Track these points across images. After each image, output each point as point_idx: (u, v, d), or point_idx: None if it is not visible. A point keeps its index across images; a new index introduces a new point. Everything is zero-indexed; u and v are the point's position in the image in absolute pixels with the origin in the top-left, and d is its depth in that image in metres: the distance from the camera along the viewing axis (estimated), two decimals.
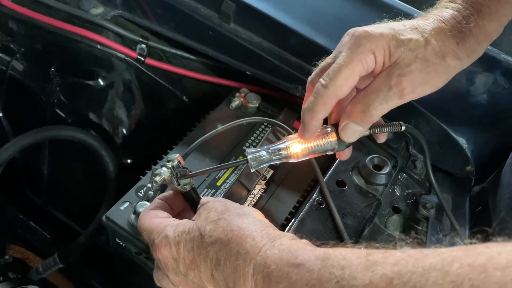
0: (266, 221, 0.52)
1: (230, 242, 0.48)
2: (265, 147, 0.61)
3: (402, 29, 0.56)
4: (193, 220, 0.54)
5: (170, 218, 0.58)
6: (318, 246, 0.45)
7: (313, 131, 0.59)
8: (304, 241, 0.47)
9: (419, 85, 0.55)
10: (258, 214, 0.53)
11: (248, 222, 0.50)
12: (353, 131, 0.58)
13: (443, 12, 0.58)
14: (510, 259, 0.30)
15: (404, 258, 0.35)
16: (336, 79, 0.55)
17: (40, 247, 1.29)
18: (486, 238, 0.34)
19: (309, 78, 0.61)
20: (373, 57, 0.55)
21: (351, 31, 0.57)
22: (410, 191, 0.82)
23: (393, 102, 0.55)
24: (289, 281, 0.42)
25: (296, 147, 0.60)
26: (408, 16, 0.60)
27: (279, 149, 0.61)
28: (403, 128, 0.64)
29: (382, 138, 0.66)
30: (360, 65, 0.55)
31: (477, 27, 0.57)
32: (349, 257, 0.39)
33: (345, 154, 0.65)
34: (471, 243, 0.34)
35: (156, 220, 0.57)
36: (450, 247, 0.35)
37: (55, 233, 1.32)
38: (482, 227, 0.38)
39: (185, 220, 0.55)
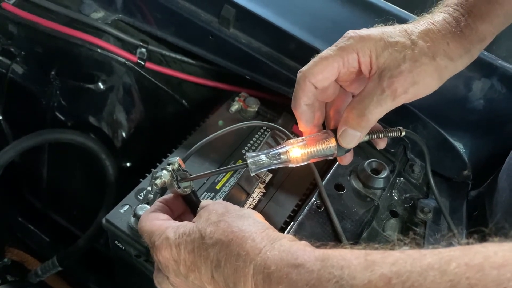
0: (266, 223, 0.52)
1: (231, 243, 0.48)
2: (265, 151, 0.62)
3: (392, 32, 0.58)
4: (193, 222, 0.54)
5: (170, 221, 0.58)
6: (317, 247, 0.45)
7: (304, 119, 0.63)
8: (303, 242, 0.47)
9: (410, 85, 0.55)
10: (258, 216, 0.54)
11: (248, 224, 0.50)
12: (352, 137, 0.58)
13: (435, 16, 0.59)
14: (506, 258, 0.31)
15: (402, 258, 0.36)
16: (312, 67, 0.59)
17: (38, 250, 1.29)
18: (483, 238, 0.35)
19: None
20: (356, 56, 0.58)
21: (346, 32, 0.60)
22: (407, 195, 0.82)
23: (387, 105, 0.56)
24: (289, 282, 0.42)
25: (295, 152, 0.61)
26: (404, 21, 0.61)
27: (279, 154, 0.61)
28: (403, 133, 0.65)
29: (381, 145, 0.67)
30: (339, 59, 0.58)
31: (468, 27, 0.57)
32: (348, 257, 0.40)
33: (346, 159, 0.66)
34: (468, 243, 0.35)
35: (157, 222, 0.57)
36: (448, 247, 0.35)
37: (54, 236, 1.32)
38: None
39: (185, 222, 0.55)
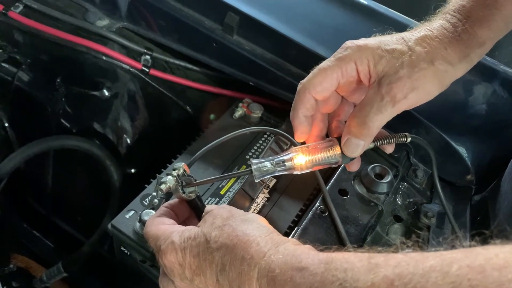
0: (270, 227, 0.53)
1: (235, 247, 0.49)
2: (269, 158, 0.62)
3: (389, 40, 0.58)
4: (198, 227, 0.55)
5: (176, 225, 0.59)
6: (321, 251, 0.45)
7: (300, 130, 0.63)
8: (307, 246, 0.47)
9: (410, 91, 0.55)
10: (262, 221, 0.54)
11: (253, 228, 0.51)
12: (355, 146, 0.58)
13: (432, 23, 0.60)
14: (508, 259, 0.31)
15: (405, 260, 0.37)
16: (312, 79, 0.60)
17: (43, 256, 1.30)
18: (485, 240, 0.36)
19: None
20: (354, 66, 0.58)
21: (344, 43, 0.60)
22: (411, 200, 0.82)
23: (388, 111, 0.56)
24: (293, 284, 0.42)
25: (300, 159, 0.61)
26: (406, 27, 0.62)
27: (283, 161, 0.61)
28: (409, 139, 0.64)
29: (389, 149, 0.67)
30: (338, 70, 0.59)
31: (466, 32, 0.58)
32: (352, 260, 0.40)
33: (354, 165, 0.66)
34: (470, 246, 0.35)
35: (163, 227, 0.58)
36: (450, 250, 0.36)
37: (58, 243, 1.33)
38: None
39: (191, 227, 0.56)
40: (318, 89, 0.60)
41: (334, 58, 0.60)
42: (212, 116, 0.94)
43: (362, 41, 0.59)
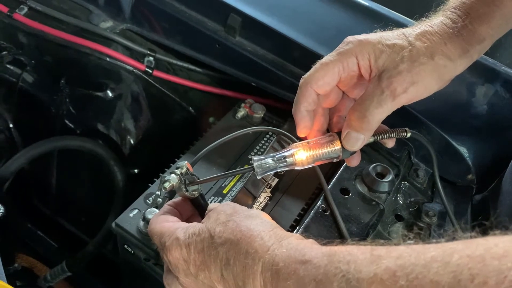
0: (274, 222, 0.53)
1: (240, 242, 0.49)
2: (271, 154, 0.63)
3: (390, 35, 0.59)
4: (202, 223, 0.55)
5: (180, 222, 0.60)
6: (324, 245, 0.46)
7: (303, 124, 0.64)
8: (310, 240, 0.48)
9: (410, 85, 0.56)
10: (265, 216, 0.55)
11: (256, 223, 0.51)
12: (355, 140, 0.59)
13: (433, 19, 0.61)
14: (507, 249, 0.32)
15: (407, 251, 0.37)
16: (314, 73, 0.61)
17: (47, 256, 1.30)
18: (485, 232, 0.36)
19: None
20: (355, 60, 0.59)
21: (346, 38, 0.61)
22: (412, 199, 0.83)
23: (388, 105, 0.57)
24: (297, 277, 0.43)
25: (301, 155, 0.62)
26: (406, 27, 0.62)
27: (285, 157, 0.62)
28: (409, 134, 0.65)
29: (390, 144, 0.67)
30: (339, 64, 0.60)
31: (466, 29, 0.58)
32: (355, 252, 0.41)
33: (354, 160, 0.66)
34: (470, 237, 0.36)
35: (167, 224, 0.58)
36: (451, 242, 0.36)
37: (62, 243, 1.33)
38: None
39: (195, 223, 0.56)
40: (320, 83, 0.61)
41: (335, 52, 0.61)
42: (211, 119, 0.94)
43: (363, 36, 0.60)
